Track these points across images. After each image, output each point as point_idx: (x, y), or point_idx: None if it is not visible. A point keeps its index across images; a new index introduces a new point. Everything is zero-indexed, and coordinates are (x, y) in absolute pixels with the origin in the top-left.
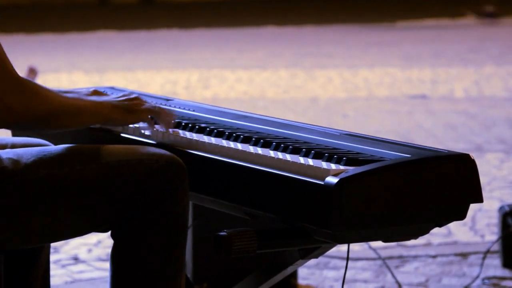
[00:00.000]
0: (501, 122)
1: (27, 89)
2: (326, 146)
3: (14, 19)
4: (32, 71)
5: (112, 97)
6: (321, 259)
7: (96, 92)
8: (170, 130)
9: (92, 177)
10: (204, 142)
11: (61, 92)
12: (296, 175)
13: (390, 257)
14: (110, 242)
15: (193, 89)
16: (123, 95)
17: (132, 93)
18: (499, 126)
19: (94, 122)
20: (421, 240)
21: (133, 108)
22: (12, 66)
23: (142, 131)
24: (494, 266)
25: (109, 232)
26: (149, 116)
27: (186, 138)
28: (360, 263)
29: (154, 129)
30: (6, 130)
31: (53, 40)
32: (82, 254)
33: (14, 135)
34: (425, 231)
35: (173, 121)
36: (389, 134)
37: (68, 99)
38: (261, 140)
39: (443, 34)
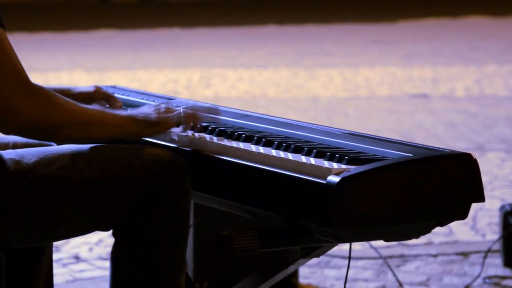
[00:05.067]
0: (502, 121)
1: (40, 95)
2: (327, 145)
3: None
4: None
5: (142, 108)
6: (322, 258)
7: (97, 89)
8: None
9: (94, 176)
10: (206, 141)
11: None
12: (298, 174)
13: (391, 256)
14: (111, 241)
15: (194, 88)
16: (155, 106)
17: (164, 103)
18: (500, 125)
19: (114, 135)
20: (422, 239)
21: (158, 121)
22: (24, 72)
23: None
24: (495, 265)
25: (111, 231)
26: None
27: (188, 137)
28: (361, 262)
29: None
30: None
31: (54, 39)
32: (83, 253)
33: None
34: (426, 230)
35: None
36: (390, 133)
37: (86, 109)
38: (263, 139)
39: (444, 33)
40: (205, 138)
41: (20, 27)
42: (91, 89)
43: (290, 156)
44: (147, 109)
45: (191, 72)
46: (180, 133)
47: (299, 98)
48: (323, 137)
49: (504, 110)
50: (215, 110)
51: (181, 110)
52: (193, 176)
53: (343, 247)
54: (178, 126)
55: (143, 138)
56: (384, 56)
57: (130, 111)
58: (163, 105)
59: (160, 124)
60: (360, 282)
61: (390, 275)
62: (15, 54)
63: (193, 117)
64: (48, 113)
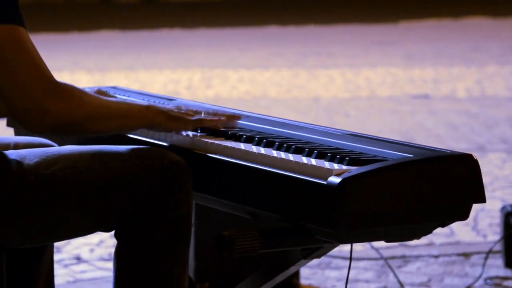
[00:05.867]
0: (503, 122)
1: (64, 92)
2: (328, 146)
3: None
4: None
5: (160, 104)
6: (323, 259)
7: (99, 92)
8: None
9: (95, 177)
10: (207, 142)
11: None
12: (299, 175)
13: (392, 257)
14: (112, 242)
15: (195, 88)
16: (175, 106)
17: (184, 105)
18: (501, 126)
19: (139, 126)
20: (423, 240)
21: (179, 116)
22: (48, 70)
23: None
24: (497, 266)
25: (112, 232)
26: None
27: (189, 138)
28: (362, 263)
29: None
30: (9, 129)
31: (55, 39)
32: (84, 254)
33: (16, 134)
34: (427, 231)
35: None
36: (391, 134)
37: (110, 102)
38: (264, 140)
39: (445, 34)
40: (206, 139)
41: None
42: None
43: (291, 157)
44: (168, 106)
45: (192, 73)
46: (178, 133)
47: (300, 98)
48: (324, 137)
49: (505, 110)
50: (237, 117)
51: (203, 115)
52: (194, 177)
53: (344, 248)
54: (195, 127)
55: (143, 139)
56: (385, 56)
57: (151, 103)
58: (183, 107)
59: (180, 120)
60: (361, 283)
61: (391, 276)
62: (37, 53)
63: (213, 124)
64: (73, 109)
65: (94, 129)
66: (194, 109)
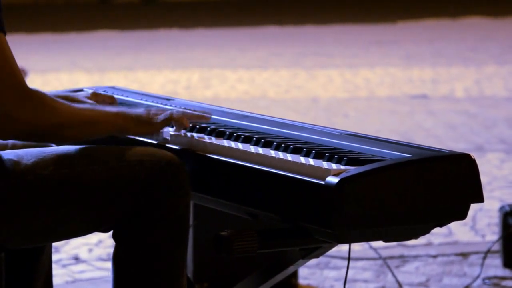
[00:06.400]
0: (501, 122)
1: (36, 100)
2: (327, 146)
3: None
4: (22, 72)
5: (133, 108)
6: (321, 259)
7: (95, 95)
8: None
9: (92, 178)
10: (205, 142)
11: (70, 101)
12: (297, 175)
13: (391, 257)
14: (110, 242)
15: (194, 89)
16: (146, 108)
17: (155, 107)
18: (500, 126)
19: (108, 132)
20: (421, 240)
21: (147, 120)
22: (21, 77)
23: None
24: (495, 266)
25: (110, 233)
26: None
27: (187, 138)
28: (360, 263)
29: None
30: None
31: (53, 39)
32: (83, 254)
33: None
34: (425, 231)
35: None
36: (390, 134)
37: (80, 109)
38: (262, 140)
39: (444, 34)
40: (204, 139)
41: (20, 28)
42: (89, 96)
43: (289, 156)
44: (138, 109)
45: (191, 73)
46: (173, 133)
47: (299, 99)
48: (322, 137)
49: (504, 110)
50: (207, 118)
51: (169, 112)
52: (192, 177)
53: (343, 248)
54: (165, 127)
55: (139, 138)
56: (384, 56)
57: (121, 108)
58: (154, 108)
59: (149, 123)
60: (360, 282)
61: (389, 275)
62: (13, 59)
63: (181, 120)
64: (44, 117)
65: (65, 137)
66: (161, 110)
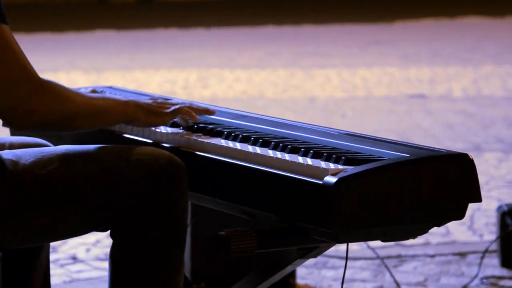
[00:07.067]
0: (499, 122)
1: (50, 91)
2: (324, 146)
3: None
4: None
5: (139, 97)
6: (319, 258)
7: (94, 92)
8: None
9: (91, 177)
10: (203, 141)
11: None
12: (295, 175)
13: (389, 257)
14: (108, 241)
15: (191, 88)
16: (151, 98)
17: (160, 97)
18: (497, 126)
19: (118, 121)
20: (419, 239)
21: (157, 110)
22: (33, 69)
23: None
24: (493, 266)
25: (108, 232)
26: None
27: (185, 137)
28: (358, 263)
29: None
30: (4, 129)
31: (51, 39)
32: (81, 254)
33: (12, 134)
34: (423, 230)
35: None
36: (388, 134)
37: (92, 99)
38: (260, 140)
39: (442, 33)
40: (202, 138)
41: (18, 28)
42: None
43: (287, 156)
44: (145, 99)
45: (189, 73)
46: (171, 132)
47: (296, 98)
48: (320, 137)
49: (501, 110)
50: (211, 112)
51: (179, 105)
52: (190, 177)
53: (340, 248)
54: (172, 119)
55: (140, 139)
56: (381, 56)
57: (129, 97)
58: (160, 99)
59: (158, 114)
60: (358, 282)
61: (387, 275)
62: (21, 51)
63: (189, 114)
64: (58, 108)
65: (78, 126)
66: (170, 102)
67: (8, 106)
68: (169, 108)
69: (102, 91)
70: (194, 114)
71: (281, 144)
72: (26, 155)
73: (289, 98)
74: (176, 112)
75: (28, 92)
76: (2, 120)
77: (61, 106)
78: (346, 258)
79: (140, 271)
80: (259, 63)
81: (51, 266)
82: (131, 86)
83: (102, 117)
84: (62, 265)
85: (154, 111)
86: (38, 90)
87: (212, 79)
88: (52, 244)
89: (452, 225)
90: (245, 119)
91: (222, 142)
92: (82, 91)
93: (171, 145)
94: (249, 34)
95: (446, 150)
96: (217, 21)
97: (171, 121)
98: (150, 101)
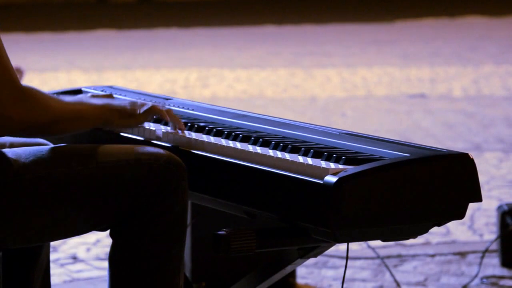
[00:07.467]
0: (499, 121)
1: (29, 98)
2: (325, 145)
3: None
4: (18, 71)
5: (116, 101)
6: (319, 258)
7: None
8: (179, 130)
9: (90, 176)
10: (203, 141)
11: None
12: (295, 174)
13: (389, 256)
14: (108, 241)
15: (192, 88)
16: (130, 102)
17: (140, 99)
18: (498, 125)
19: (95, 125)
20: (419, 239)
21: (130, 112)
22: (15, 75)
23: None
24: (493, 265)
25: (108, 231)
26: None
27: (185, 137)
28: (358, 262)
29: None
30: None
31: (51, 39)
32: (81, 253)
33: None
34: (424, 230)
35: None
36: (388, 133)
37: (68, 104)
38: (260, 139)
39: (442, 33)
40: (202, 138)
41: (18, 27)
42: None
43: (287, 156)
44: (123, 102)
45: (189, 72)
46: (171, 131)
47: (296, 98)
48: (320, 137)
49: (502, 110)
50: (180, 125)
51: (151, 104)
52: (190, 176)
53: (341, 247)
54: (146, 118)
55: (139, 138)
56: (381, 56)
57: (106, 101)
58: (139, 101)
59: (132, 115)
60: (358, 282)
61: (387, 275)
62: (6, 56)
63: (160, 113)
64: (38, 114)
65: (56, 131)
66: (145, 103)
67: None
68: (141, 107)
69: (103, 90)
70: (165, 113)
71: (281, 144)
72: (25, 154)
73: (290, 98)
74: (147, 112)
75: (7, 98)
76: None
77: (40, 112)
78: (347, 258)
79: (140, 270)
80: (259, 62)
81: (51, 265)
82: (131, 86)
83: (79, 122)
84: (62, 265)
85: (127, 113)
86: (17, 97)
87: (212, 78)
88: (52, 243)
89: (452, 224)
90: (245, 118)
91: (223, 141)
92: (62, 96)
93: (171, 144)
94: (249, 33)
95: (447, 149)
96: (217, 20)
97: (145, 121)
98: (126, 104)
